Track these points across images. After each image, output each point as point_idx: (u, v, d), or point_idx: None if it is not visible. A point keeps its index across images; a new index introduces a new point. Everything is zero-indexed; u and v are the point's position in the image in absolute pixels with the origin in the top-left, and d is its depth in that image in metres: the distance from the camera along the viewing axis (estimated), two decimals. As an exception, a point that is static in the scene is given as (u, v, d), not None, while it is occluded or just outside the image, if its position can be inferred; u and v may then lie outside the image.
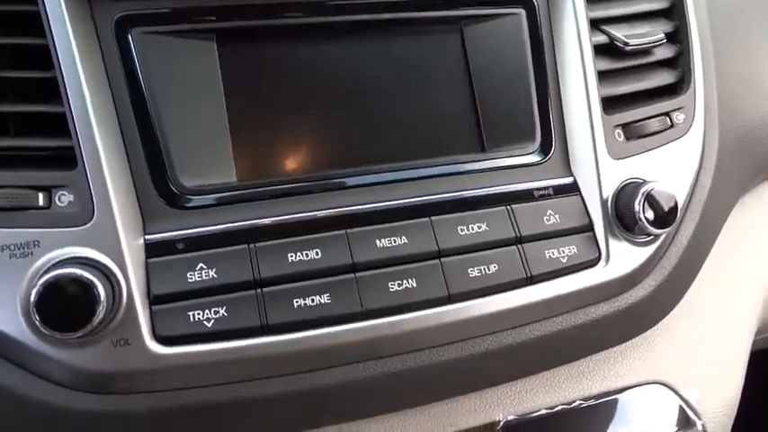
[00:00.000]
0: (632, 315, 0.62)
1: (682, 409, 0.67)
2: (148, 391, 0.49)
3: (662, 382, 0.67)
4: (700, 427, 0.67)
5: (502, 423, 0.61)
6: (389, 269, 0.54)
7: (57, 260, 0.47)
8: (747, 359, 0.76)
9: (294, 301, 0.51)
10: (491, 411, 0.61)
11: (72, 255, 0.47)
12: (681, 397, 0.67)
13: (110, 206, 0.48)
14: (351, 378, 0.53)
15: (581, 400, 0.63)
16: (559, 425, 0.62)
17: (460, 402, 0.60)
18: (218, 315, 0.50)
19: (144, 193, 0.51)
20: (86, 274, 0.45)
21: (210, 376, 0.50)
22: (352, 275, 0.53)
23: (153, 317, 0.49)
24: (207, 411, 0.50)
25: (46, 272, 0.45)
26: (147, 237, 0.51)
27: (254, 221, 0.53)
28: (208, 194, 0.53)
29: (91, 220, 0.48)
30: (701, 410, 0.68)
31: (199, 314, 0.49)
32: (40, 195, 0.48)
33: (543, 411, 0.62)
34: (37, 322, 0.44)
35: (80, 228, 0.48)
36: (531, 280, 0.57)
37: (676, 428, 0.66)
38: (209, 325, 0.49)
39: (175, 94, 0.53)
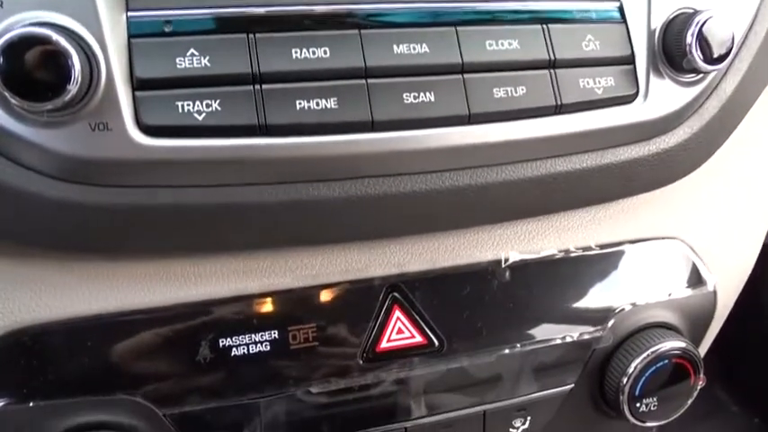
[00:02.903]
0: (662, 162, 0.57)
1: (694, 267, 0.64)
2: (131, 186, 0.44)
3: (677, 237, 0.63)
4: (711, 287, 0.64)
5: (509, 262, 0.57)
6: (406, 79, 0.47)
7: (25, 22, 0.40)
8: (766, 231, 0.73)
9: (297, 102, 0.45)
10: (498, 249, 0.57)
11: (44, 19, 0.41)
12: (695, 254, 0.64)
13: None
14: (354, 194, 0.48)
15: (594, 246, 0.60)
16: (567, 270, 0.59)
17: (466, 236, 0.57)
18: (210, 108, 0.44)
19: None
20: (60, 39, 0.39)
21: (200, 176, 0.45)
22: (363, 81, 0.47)
23: (136, 103, 0.43)
24: (196, 214, 0.46)
25: (12, 30, 0.39)
26: (129, 13, 0.44)
27: (255, 8, 0.46)
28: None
29: None
30: (713, 271, 0.65)
31: (188, 105, 0.44)
32: None
33: (554, 251, 0.59)
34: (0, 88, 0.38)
35: None
36: (560, 109, 0.51)
37: (687, 285, 0.63)
38: (200, 118, 0.44)
39: None
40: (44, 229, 0.46)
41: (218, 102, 0.44)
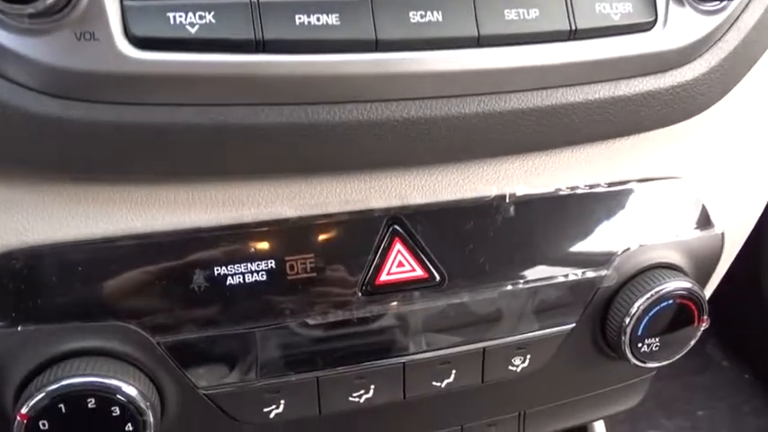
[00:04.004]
0: (676, 97, 0.55)
1: (703, 209, 0.62)
2: (118, 102, 0.42)
3: (686, 178, 0.61)
4: (718, 230, 0.63)
5: (513, 197, 0.55)
6: None
7: None
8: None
9: (296, 16, 0.43)
10: (503, 183, 0.55)
11: None
12: (703, 196, 0.62)
13: None
14: (354, 119, 0.46)
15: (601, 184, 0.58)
16: (572, 207, 0.57)
17: (471, 169, 0.55)
18: (203, 21, 0.41)
19: None
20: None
21: (193, 93, 0.43)
22: (367, -4, 0.44)
23: (125, 12, 0.40)
24: (186, 135, 0.43)
25: None
26: None
27: None
28: None
29: None
30: (721, 214, 0.63)
31: (181, 16, 0.41)
32: None
33: (561, 188, 0.57)
34: None
35: None
36: (574, 34, 0.48)
37: (694, 227, 0.62)
38: (193, 30, 0.41)
39: None
40: (29, 148, 0.44)
41: (212, 14, 0.41)
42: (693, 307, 0.59)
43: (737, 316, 1.54)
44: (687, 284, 0.58)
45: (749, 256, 0.77)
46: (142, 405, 0.48)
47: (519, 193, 0.56)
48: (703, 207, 0.62)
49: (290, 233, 0.51)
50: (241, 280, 0.50)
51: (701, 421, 1.47)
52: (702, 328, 0.61)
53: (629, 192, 0.59)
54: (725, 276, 0.66)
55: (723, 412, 1.48)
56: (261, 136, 0.45)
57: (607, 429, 0.95)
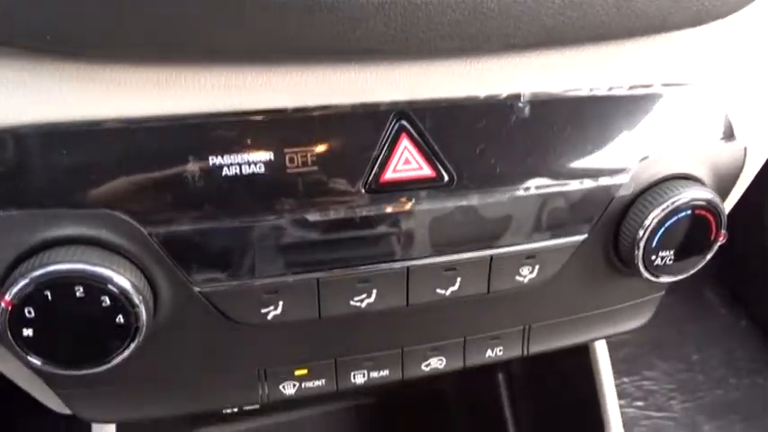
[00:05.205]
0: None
1: (727, 121, 0.58)
2: None
3: (713, 87, 0.57)
4: (741, 144, 0.60)
5: (530, 96, 0.52)
6: None
7: None
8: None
9: None
10: (519, 81, 0.52)
11: None
12: (729, 108, 0.58)
13: None
14: None
15: (623, 87, 0.54)
16: (591, 110, 0.54)
17: (486, 64, 0.51)
18: None
19: None
20: None
21: None
22: None
23: None
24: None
25: None
26: None
27: None
28: None
29: None
30: (745, 128, 0.60)
31: None
32: None
33: (580, 88, 0.53)
34: None
35: None
36: None
37: (718, 138, 0.58)
38: None
39: None
40: (10, 20, 0.40)
41: None
42: (712, 219, 0.56)
43: (738, 262, 1.53)
44: (708, 195, 0.55)
45: (753, 204, 0.74)
46: (134, 297, 0.46)
47: (535, 93, 0.52)
48: (727, 118, 0.58)
49: (291, 124, 0.48)
50: (237, 171, 0.47)
51: (695, 364, 1.48)
52: (720, 243, 0.58)
53: (652, 97, 0.55)
54: (728, 223, 0.63)
55: (717, 355, 1.49)
56: (260, 8, 0.41)
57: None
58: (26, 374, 0.54)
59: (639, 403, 1.39)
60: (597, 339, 0.80)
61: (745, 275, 1.56)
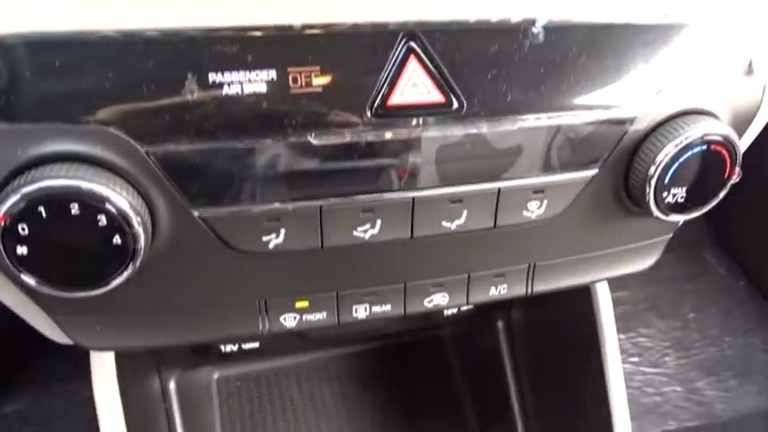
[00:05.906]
0: None
1: (748, 58, 0.56)
2: None
3: (732, 20, 0.55)
4: (761, 83, 0.58)
5: (544, 21, 0.50)
6: None
7: None
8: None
9: None
10: (534, 5, 0.49)
11: None
12: (749, 43, 0.56)
13: None
14: None
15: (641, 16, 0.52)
16: (608, 40, 0.51)
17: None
18: None
19: None
20: None
21: None
22: None
23: None
24: None
25: None
26: None
27: None
28: None
29: None
30: (765, 65, 0.58)
31: None
32: None
33: (597, 16, 0.51)
34: None
35: None
36: None
37: (737, 74, 0.56)
38: None
39: None
40: None
41: None
42: (727, 156, 0.55)
43: (738, 222, 1.52)
44: (724, 130, 0.53)
45: (754, 166, 0.72)
46: (132, 218, 0.44)
47: (550, 19, 0.50)
48: (747, 54, 0.56)
49: (295, 41, 0.46)
50: (239, 90, 0.45)
51: (691, 322, 1.49)
52: (733, 181, 0.57)
53: (670, 27, 0.53)
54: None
55: (714, 315, 1.50)
56: None
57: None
58: (23, 300, 0.53)
59: (634, 359, 1.40)
60: (602, 280, 0.79)
61: (742, 238, 1.56)
